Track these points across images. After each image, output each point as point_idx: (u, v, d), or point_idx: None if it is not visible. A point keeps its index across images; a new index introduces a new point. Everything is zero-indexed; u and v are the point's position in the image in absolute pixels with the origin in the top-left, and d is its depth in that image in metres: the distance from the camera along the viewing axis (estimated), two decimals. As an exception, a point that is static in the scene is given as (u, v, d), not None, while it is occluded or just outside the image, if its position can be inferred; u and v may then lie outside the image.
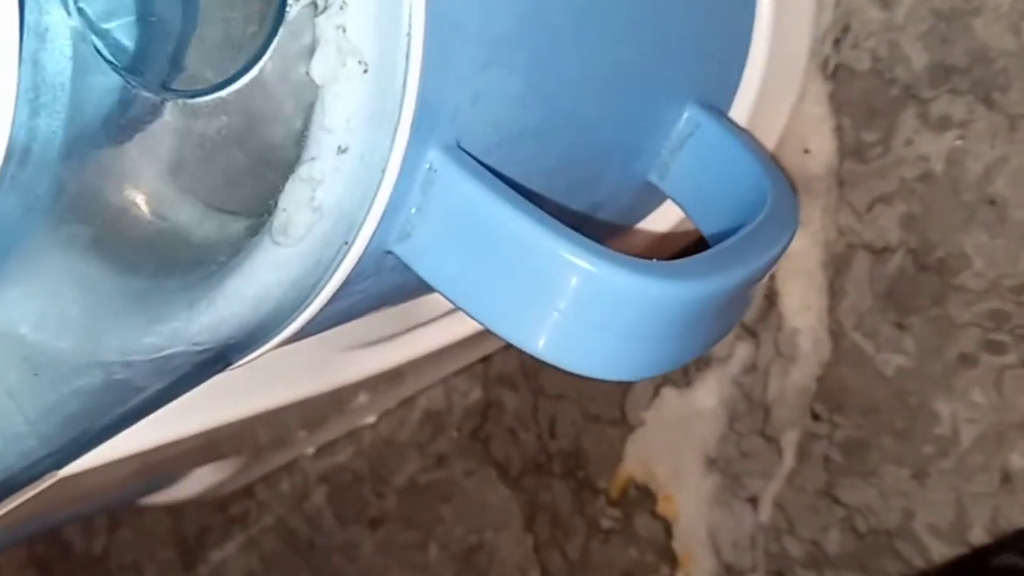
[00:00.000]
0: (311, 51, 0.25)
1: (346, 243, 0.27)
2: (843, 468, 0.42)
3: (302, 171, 0.26)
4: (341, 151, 0.26)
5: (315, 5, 0.25)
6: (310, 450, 0.56)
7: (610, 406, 0.47)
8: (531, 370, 0.49)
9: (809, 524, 0.43)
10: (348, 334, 0.41)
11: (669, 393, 0.46)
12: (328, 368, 0.44)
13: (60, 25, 0.24)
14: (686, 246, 0.42)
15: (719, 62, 0.37)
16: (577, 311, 0.28)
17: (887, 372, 0.40)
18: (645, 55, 0.34)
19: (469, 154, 0.28)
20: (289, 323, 0.28)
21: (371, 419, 0.54)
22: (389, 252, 0.28)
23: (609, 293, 0.27)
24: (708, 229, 0.35)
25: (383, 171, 0.26)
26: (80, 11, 0.24)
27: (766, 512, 0.44)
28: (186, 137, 0.26)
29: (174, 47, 0.25)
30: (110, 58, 0.24)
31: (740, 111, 0.39)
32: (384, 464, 0.54)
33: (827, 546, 0.43)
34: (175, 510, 0.61)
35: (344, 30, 0.25)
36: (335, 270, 0.27)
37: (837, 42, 0.40)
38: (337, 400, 0.51)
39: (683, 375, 0.45)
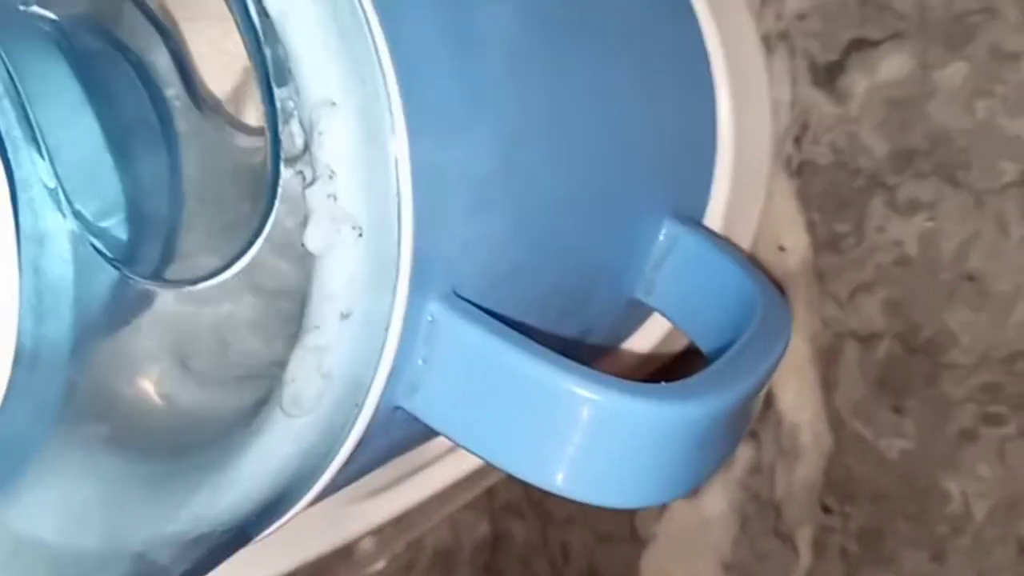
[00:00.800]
0: (303, 222, 0.25)
1: (357, 405, 0.27)
2: (861, 558, 0.42)
3: (307, 340, 0.26)
4: (344, 316, 0.26)
5: (303, 176, 0.25)
6: (321, 605, 0.55)
7: (620, 524, 0.47)
8: (536, 496, 0.49)
9: (835, 618, 0.43)
10: (355, 487, 0.41)
11: (677, 504, 0.46)
12: (337, 524, 0.44)
13: (58, 229, 0.24)
14: (676, 357, 0.42)
15: (688, 174, 0.38)
16: (591, 443, 0.28)
17: (891, 457, 0.41)
18: (618, 179, 0.34)
19: (466, 299, 0.28)
20: (307, 492, 0.28)
21: (379, 565, 0.53)
22: (398, 407, 0.28)
23: (620, 421, 0.28)
24: (701, 339, 0.35)
25: (387, 330, 0.27)
26: (76, 214, 0.24)
27: (790, 611, 0.44)
28: (189, 321, 0.26)
29: (169, 237, 0.25)
30: (109, 256, 0.24)
31: (713, 218, 0.39)
32: (398, 610, 0.53)
33: (856, 638, 0.42)
34: None
35: (335, 198, 0.25)
36: (348, 433, 0.27)
37: (797, 140, 0.41)
38: (344, 549, 0.51)
39: (689, 484, 0.45)
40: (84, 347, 0.25)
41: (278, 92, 0.24)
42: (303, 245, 0.26)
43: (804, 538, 0.43)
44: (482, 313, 0.28)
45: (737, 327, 0.33)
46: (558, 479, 0.28)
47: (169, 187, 0.26)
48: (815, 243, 0.41)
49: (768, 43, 0.41)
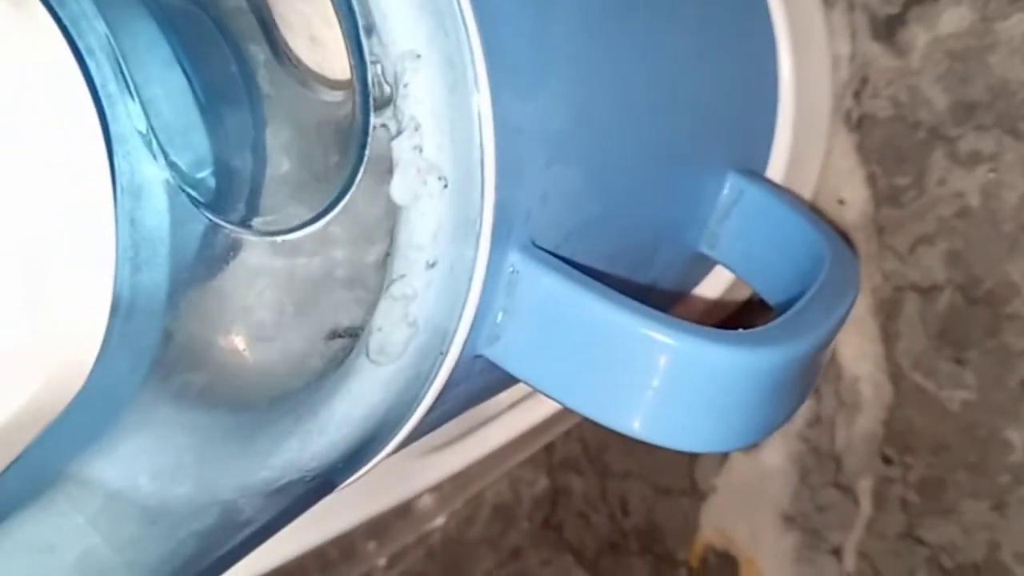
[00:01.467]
0: (388, 173, 0.26)
1: (441, 353, 0.28)
2: (921, 508, 0.42)
3: (394, 289, 0.27)
4: (430, 266, 0.26)
5: (388, 128, 0.26)
6: (382, 560, 0.56)
7: (679, 477, 0.47)
8: (595, 451, 0.49)
9: (895, 569, 0.43)
10: (421, 442, 0.42)
11: (737, 457, 0.46)
12: (402, 479, 0.45)
13: (153, 181, 0.25)
14: (734, 311, 0.43)
15: (750, 129, 0.38)
16: (669, 388, 0.28)
17: (952, 408, 0.41)
18: (684, 134, 0.35)
19: (544, 250, 0.29)
20: (391, 439, 0.29)
21: (440, 520, 0.54)
22: (478, 356, 0.29)
23: (698, 367, 0.28)
24: (767, 291, 0.36)
25: (470, 279, 0.27)
26: (171, 164, 0.24)
27: (850, 563, 0.44)
28: (278, 272, 0.26)
29: (258, 189, 0.26)
30: (204, 204, 0.25)
31: (775, 172, 0.40)
32: (458, 564, 0.54)
33: (916, 587, 0.43)
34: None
35: (421, 150, 0.26)
36: (432, 381, 0.28)
37: (857, 94, 0.41)
38: (404, 505, 0.52)
39: (748, 437, 0.45)
40: (178, 297, 0.26)
41: (366, 44, 0.24)
42: (389, 196, 0.26)
43: (864, 489, 0.43)
44: (561, 262, 0.29)
45: (805, 278, 0.33)
46: (635, 424, 0.29)
47: (255, 141, 0.27)
48: (875, 196, 0.41)
49: (828, -3, 0.41)
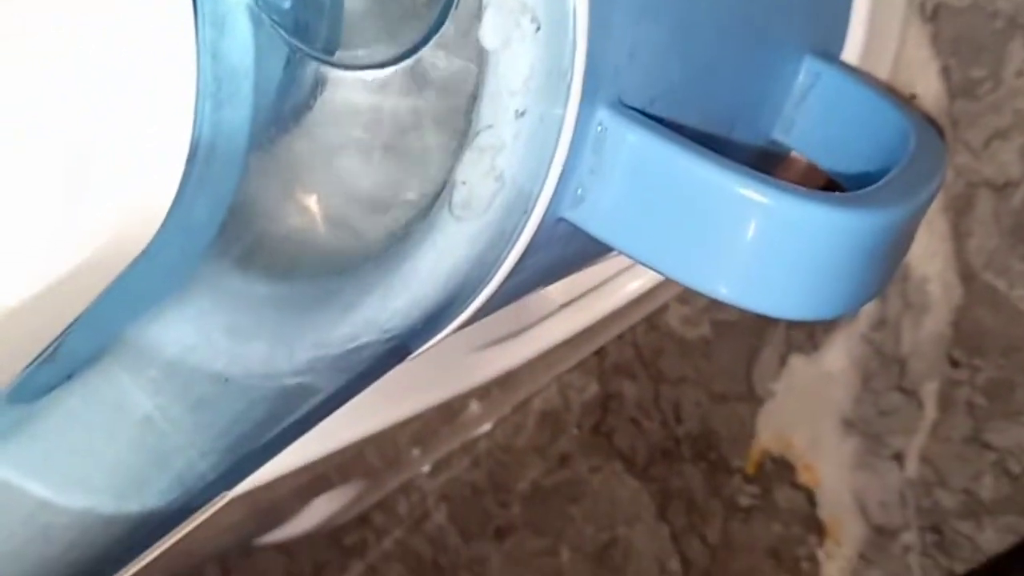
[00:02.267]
0: (477, 15, 0.25)
1: (525, 212, 0.27)
2: (989, 412, 0.41)
3: (481, 140, 0.25)
4: (519, 115, 0.25)
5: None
6: (425, 468, 0.55)
7: (736, 382, 0.46)
8: (649, 356, 0.48)
9: (960, 473, 0.42)
10: (471, 335, 0.41)
11: (797, 360, 0.45)
12: (451, 374, 0.44)
13: (237, 10, 0.24)
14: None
15: (827, 13, 0.37)
16: (763, 249, 0.27)
17: (1025, 308, 0.40)
18: (764, 9, 0.34)
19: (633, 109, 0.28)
20: (470, 302, 0.28)
21: (486, 427, 0.53)
22: (561, 219, 0.28)
23: (796, 227, 0.27)
24: (845, 176, 0.35)
25: (559, 133, 0.26)
26: (258, -7, 0.23)
27: (913, 467, 0.43)
28: (365, 111, 0.25)
29: (344, 20, 0.24)
30: (292, 35, 0.23)
31: (849, 59, 0.38)
32: (504, 472, 0.53)
33: (981, 493, 0.42)
34: (287, 548, 0.60)
35: (514, -11, 0.24)
36: (515, 242, 0.27)
37: (934, -17, 0.40)
38: (449, 411, 0.51)
39: (809, 339, 0.44)
40: (261, 139, 0.25)
41: None
42: (478, 39, 0.25)
43: (930, 393, 0.42)
44: (651, 120, 0.27)
45: (889, 158, 0.32)
46: (723, 287, 0.28)
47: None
48: (949, 89, 0.40)
49: None
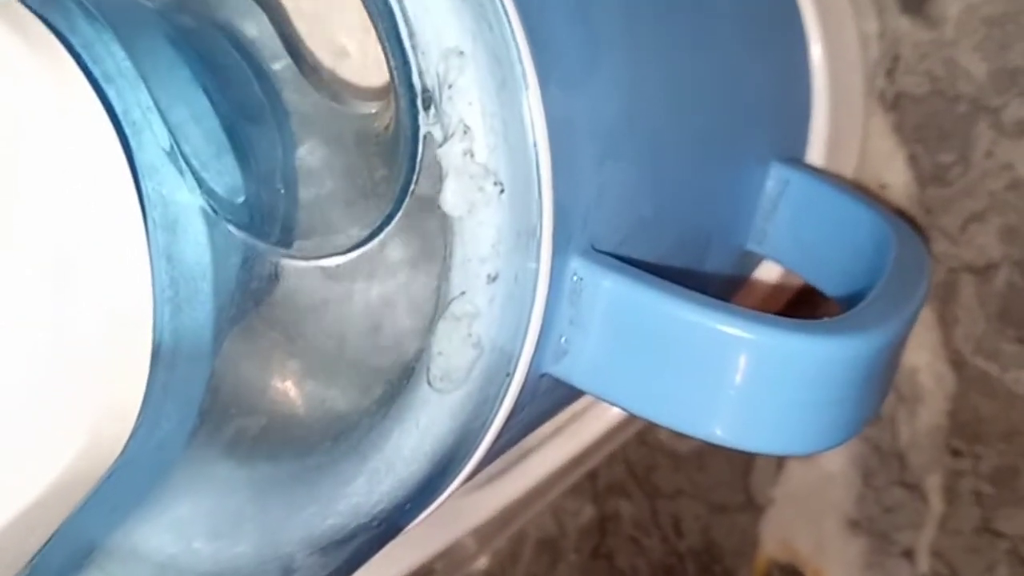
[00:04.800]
0: (437, 184, 0.24)
1: (508, 374, 0.26)
2: (997, 499, 0.40)
3: (455, 308, 0.24)
4: (492, 279, 0.24)
5: (432, 135, 0.24)
6: (425, 608, 0.53)
7: (734, 492, 0.45)
8: (642, 473, 0.47)
9: (973, 565, 0.41)
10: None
11: (793, 464, 0.44)
12: (447, 520, 0.43)
13: (189, 211, 0.23)
14: (781, 308, 0.41)
15: (788, 113, 0.37)
16: (752, 387, 0.26)
17: (1020, 390, 0.39)
18: (726, 125, 0.33)
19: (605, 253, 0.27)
20: (461, 470, 0.27)
21: (482, 563, 0.52)
22: (544, 375, 0.27)
23: (784, 360, 0.26)
24: (824, 282, 0.34)
25: (534, 291, 0.25)
26: (209, 192, 0.22)
27: (924, 563, 0.42)
28: (330, 298, 0.24)
29: (300, 211, 0.23)
30: (248, 233, 0.22)
31: (814, 160, 0.38)
32: (506, 605, 0.52)
33: (998, 583, 0.41)
34: None
35: (472, 155, 0.24)
36: (500, 405, 0.26)
37: (890, 72, 0.39)
38: (443, 550, 0.49)
39: (804, 442, 0.43)
40: (224, 337, 0.23)
41: (407, 42, 0.22)
42: (439, 208, 0.24)
43: (934, 485, 0.41)
44: (623, 264, 0.27)
45: (869, 262, 0.32)
46: (718, 429, 0.27)
47: (290, 161, 0.24)
48: (919, 177, 0.39)
49: (849, -26, 0.39)
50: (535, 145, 0.24)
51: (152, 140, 0.22)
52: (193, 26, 0.25)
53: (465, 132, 0.24)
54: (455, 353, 0.25)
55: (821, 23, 0.37)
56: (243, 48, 0.26)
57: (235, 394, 0.24)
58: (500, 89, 0.24)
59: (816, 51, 0.37)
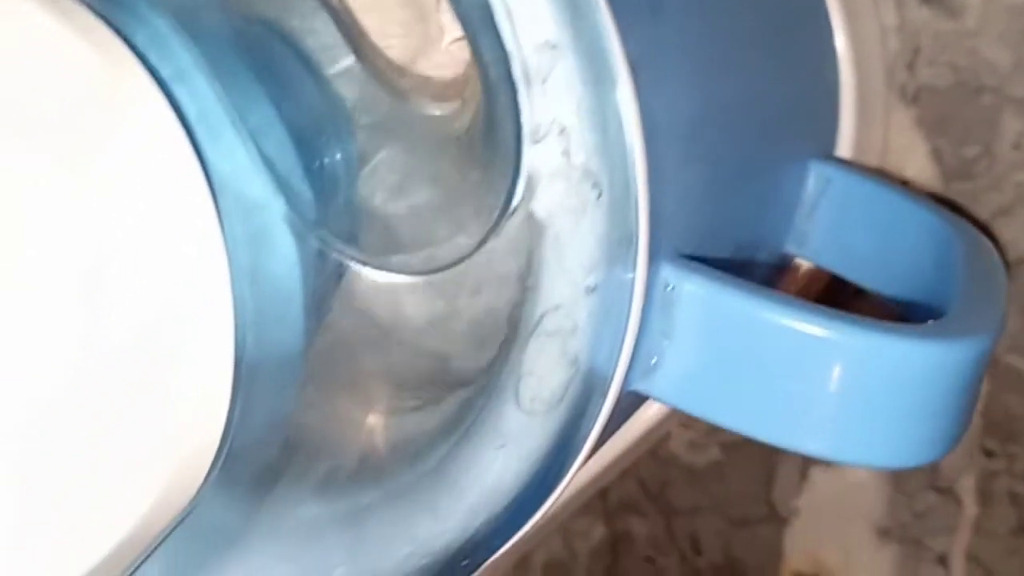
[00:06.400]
0: (529, 188, 0.22)
1: (602, 394, 0.24)
2: (1034, 499, 0.39)
3: (547, 323, 0.23)
4: (590, 291, 0.22)
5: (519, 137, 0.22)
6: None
7: (756, 504, 0.44)
8: (655, 489, 0.45)
9: (1011, 567, 0.40)
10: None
11: (818, 473, 0.43)
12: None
13: (274, 224, 0.20)
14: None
15: (821, 110, 0.35)
16: (854, 396, 0.25)
17: (1055, 387, 0.38)
18: (776, 117, 0.32)
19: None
20: (549, 497, 0.25)
21: (489, 590, 0.50)
22: (630, 391, 0.25)
23: (888, 366, 0.25)
24: (877, 282, 0.33)
25: (630, 302, 0.23)
26: (291, 202, 0.20)
27: (960, 569, 0.41)
28: (426, 314, 0.22)
29: (403, 222, 0.21)
30: (343, 244, 0.20)
31: (842, 155, 0.36)
32: (514, 634, 0.50)
33: (1038, 585, 0.40)
34: None
35: (568, 155, 0.22)
36: (593, 425, 0.24)
37: (910, 65, 0.38)
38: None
39: (829, 450, 0.42)
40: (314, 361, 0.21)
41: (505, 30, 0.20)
42: (531, 214, 0.22)
43: (967, 488, 0.40)
44: (715, 270, 0.25)
45: (933, 264, 0.30)
46: (816, 442, 0.25)
47: (369, 170, 0.22)
48: (943, 172, 0.38)
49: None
50: (630, 145, 0.22)
51: (234, 145, 0.20)
52: (256, 32, 0.23)
53: (561, 132, 0.22)
54: (549, 372, 0.23)
55: (844, 12, 0.36)
56: (302, 50, 0.24)
57: (325, 429, 0.22)
58: (596, 84, 0.22)
59: (840, 42, 0.36)
